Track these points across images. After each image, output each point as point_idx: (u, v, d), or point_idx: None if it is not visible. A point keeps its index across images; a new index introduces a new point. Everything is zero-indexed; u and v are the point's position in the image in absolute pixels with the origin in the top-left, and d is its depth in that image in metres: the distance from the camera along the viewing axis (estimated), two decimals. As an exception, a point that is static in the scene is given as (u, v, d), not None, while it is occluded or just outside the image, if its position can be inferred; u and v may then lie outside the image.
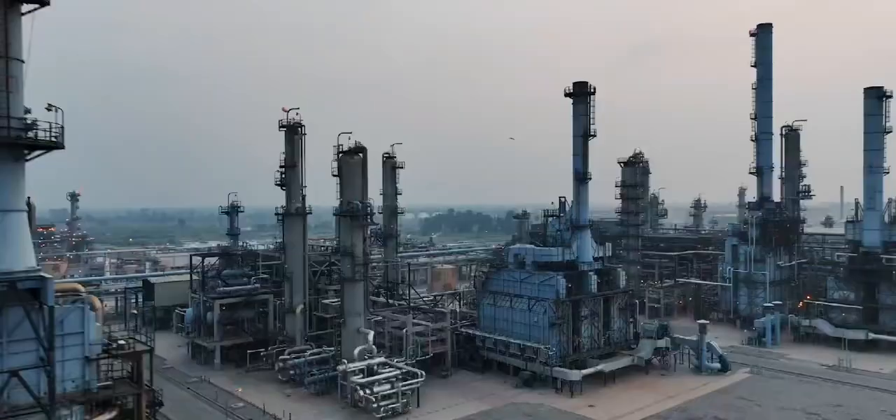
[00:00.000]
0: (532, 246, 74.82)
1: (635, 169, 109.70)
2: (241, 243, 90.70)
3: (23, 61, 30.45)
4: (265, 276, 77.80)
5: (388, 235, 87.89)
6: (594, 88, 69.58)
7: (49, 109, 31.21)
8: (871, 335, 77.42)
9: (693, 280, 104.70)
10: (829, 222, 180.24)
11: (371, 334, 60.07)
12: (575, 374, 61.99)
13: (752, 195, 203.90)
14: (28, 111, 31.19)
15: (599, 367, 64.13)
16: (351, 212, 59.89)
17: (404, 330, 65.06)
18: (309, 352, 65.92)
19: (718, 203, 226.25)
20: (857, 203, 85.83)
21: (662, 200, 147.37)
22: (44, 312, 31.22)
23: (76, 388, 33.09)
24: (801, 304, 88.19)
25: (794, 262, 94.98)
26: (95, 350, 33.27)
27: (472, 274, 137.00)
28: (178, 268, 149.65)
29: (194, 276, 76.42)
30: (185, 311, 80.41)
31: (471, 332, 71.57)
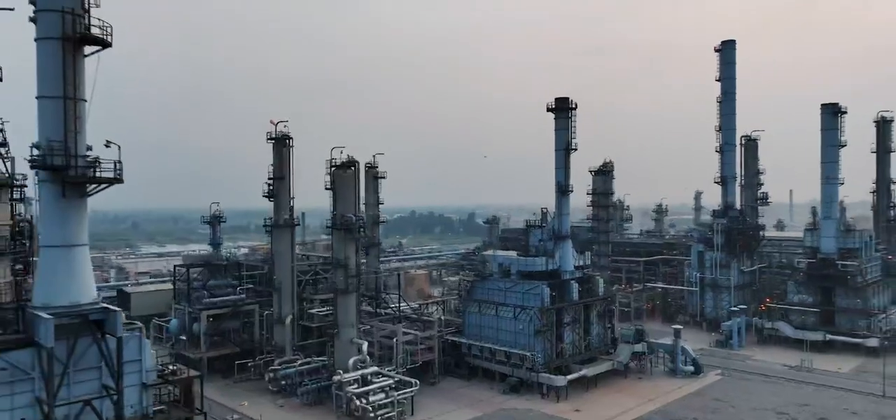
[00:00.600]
0: (516, 256, 77.11)
1: (606, 177, 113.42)
2: (223, 252, 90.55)
3: (86, 101, 31.07)
4: (250, 286, 78.09)
5: (371, 244, 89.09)
6: (575, 104, 72.53)
7: (107, 146, 31.87)
8: (829, 336, 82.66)
9: (660, 285, 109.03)
10: (780, 226, 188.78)
11: (365, 345, 61.44)
12: (560, 380, 64.63)
13: (707, 198, 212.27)
14: (89, 148, 31.83)
15: (583, 373, 66.95)
16: (346, 225, 61.11)
17: (394, 339, 66.58)
18: (299, 362, 66.79)
19: (672, 205, 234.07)
20: (814, 211, 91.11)
21: (628, 206, 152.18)
22: (106, 342, 32.43)
23: (135, 413, 34.21)
24: (762, 306, 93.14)
25: (755, 267, 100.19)
26: (151, 376, 34.29)
27: (443, 279, 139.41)
28: (143, 274, 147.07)
29: (178, 286, 76.13)
30: (164, 322, 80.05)
31: (457, 339, 73.51)
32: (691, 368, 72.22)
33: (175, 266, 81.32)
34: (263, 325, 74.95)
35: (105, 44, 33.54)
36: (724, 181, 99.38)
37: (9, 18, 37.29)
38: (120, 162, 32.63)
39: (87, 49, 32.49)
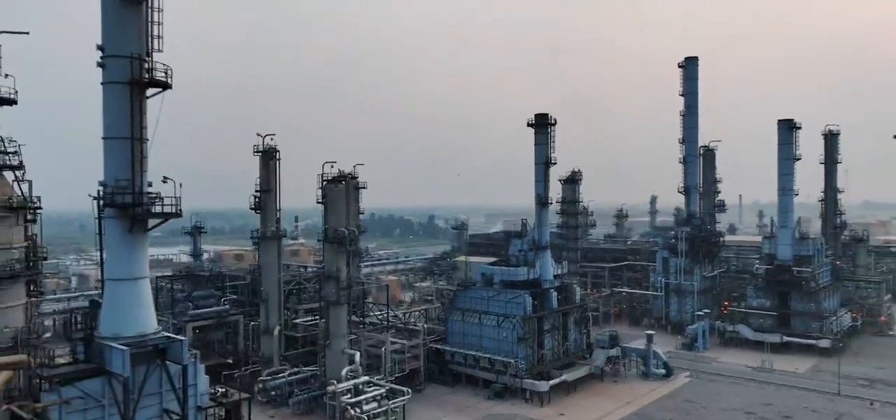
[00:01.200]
0: (490, 264, 79.57)
1: (574, 186, 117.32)
2: (205, 262, 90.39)
3: (148, 140, 32.15)
4: (234, 296, 78.53)
5: (354, 254, 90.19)
6: (555, 120, 75.63)
7: (165, 182, 32.93)
8: (785, 338, 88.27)
9: (626, 289, 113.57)
10: (732, 229, 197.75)
11: (357, 355, 63.01)
12: (543, 385, 67.56)
13: (662, 202, 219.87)
14: (150, 184, 32.86)
15: (564, 378, 70.06)
16: (338, 238, 62.53)
17: (383, 348, 68.34)
18: (288, 371, 67.87)
19: (629, 206, 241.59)
20: (772, 221, 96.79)
21: (592, 212, 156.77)
22: (168, 369, 34.90)
23: (191, 436, 35.55)
24: (722, 309, 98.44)
25: (715, 272, 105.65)
26: (205, 399, 35.61)
27: (413, 284, 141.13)
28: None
29: (161, 298, 76.01)
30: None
31: (441, 347, 75.68)
32: (663, 371, 76.26)
33: (157, 277, 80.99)
34: (248, 336, 75.53)
35: (167, 86, 35.50)
36: (688, 191, 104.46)
37: (22, 42, 37.76)
38: (179, 197, 33.96)
39: (150, 92, 33.73)
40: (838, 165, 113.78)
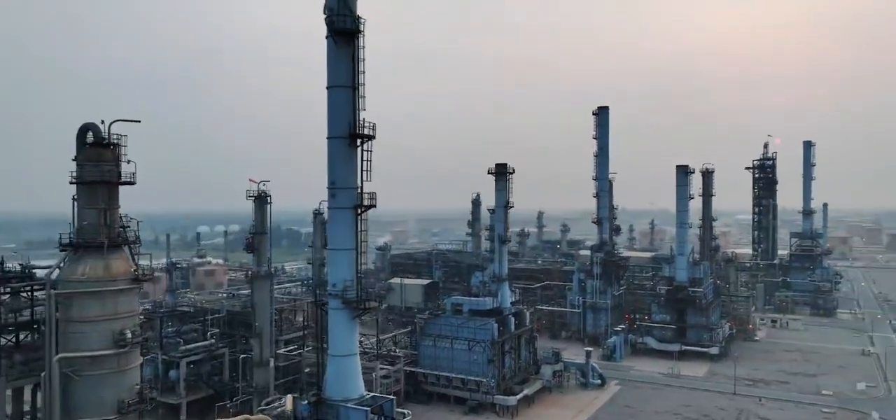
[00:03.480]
0: (466, 297, 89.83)
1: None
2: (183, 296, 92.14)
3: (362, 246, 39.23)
4: (216, 330, 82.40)
5: (320, 284, 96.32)
6: (513, 169, 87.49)
7: (360, 275, 39.69)
8: (683, 347, 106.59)
9: (546, 307, 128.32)
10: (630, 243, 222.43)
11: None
12: (512, 400, 79.00)
13: (547, 218, 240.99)
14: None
15: (526, 392, 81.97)
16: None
17: (373, 374, 76.35)
18: (283, 400, 73.82)
19: (521, 218, 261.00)
20: (671, 249, 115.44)
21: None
22: None
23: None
24: (629, 322, 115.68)
25: (621, 290, 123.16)
26: None
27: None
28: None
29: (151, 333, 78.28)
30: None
31: (414, 369, 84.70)
32: (599, 381, 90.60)
33: (144, 313, 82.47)
34: (235, 367, 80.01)
35: (374, 206, 46.36)
36: (600, 221, 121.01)
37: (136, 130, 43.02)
38: (383, 293, 41.35)
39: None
40: (713, 198, 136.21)
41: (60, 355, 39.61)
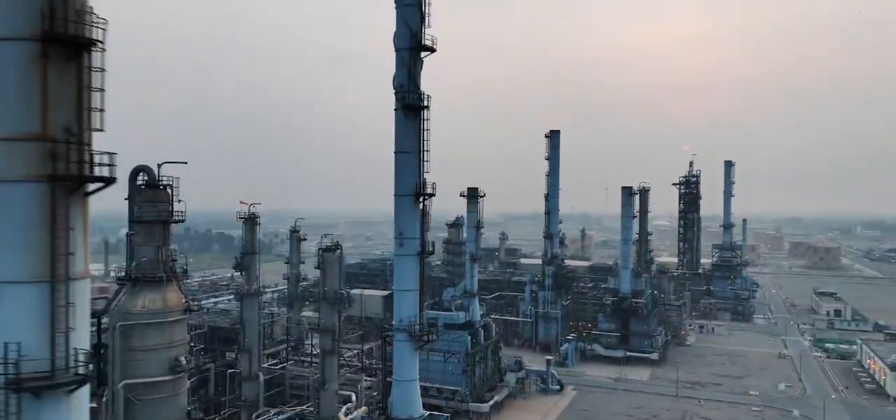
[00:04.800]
0: (440, 311, 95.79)
1: (458, 229, 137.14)
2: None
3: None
4: (201, 346, 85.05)
5: (294, 299, 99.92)
6: (484, 193, 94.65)
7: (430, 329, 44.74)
8: (628, 353, 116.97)
9: (499, 316, 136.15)
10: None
11: (353, 395, 75.84)
12: (484, 407, 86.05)
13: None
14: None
15: (495, 399, 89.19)
16: (334, 299, 74.82)
17: (358, 386, 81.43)
18: (273, 412, 77.87)
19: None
20: (615, 263, 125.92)
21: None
22: None
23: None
24: (578, 331, 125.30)
25: (568, 301, 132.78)
26: None
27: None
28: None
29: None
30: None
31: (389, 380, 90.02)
32: (557, 387, 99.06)
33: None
34: (219, 382, 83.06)
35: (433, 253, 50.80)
36: (551, 236, 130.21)
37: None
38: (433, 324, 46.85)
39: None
40: (649, 215, 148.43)
41: (125, 381, 43.15)
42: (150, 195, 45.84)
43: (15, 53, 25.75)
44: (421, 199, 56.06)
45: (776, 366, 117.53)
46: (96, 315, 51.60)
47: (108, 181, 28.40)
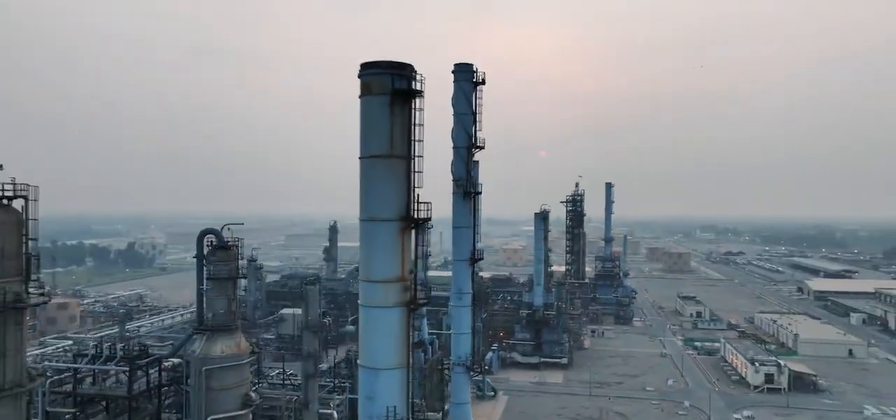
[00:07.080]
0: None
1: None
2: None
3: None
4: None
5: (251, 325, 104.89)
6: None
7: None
8: (541, 359, 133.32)
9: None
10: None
11: (334, 414, 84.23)
12: (437, 416, 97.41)
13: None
14: None
15: (445, 407, 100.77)
16: (317, 327, 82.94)
17: (331, 403, 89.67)
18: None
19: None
20: (531, 278, 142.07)
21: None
22: None
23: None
24: (498, 340, 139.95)
25: (485, 314, 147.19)
26: None
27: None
28: None
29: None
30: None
31: (353, 396, 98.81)
32: (492, 393, 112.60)
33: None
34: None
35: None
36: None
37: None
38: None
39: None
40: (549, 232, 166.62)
41: (210, 418, 50.21)
42: (223, 256, 53.06)
43: None
44: (474, 263, 66.57)
45: (661, 364, 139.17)
46: (166, 358, 57.86)
47: None
